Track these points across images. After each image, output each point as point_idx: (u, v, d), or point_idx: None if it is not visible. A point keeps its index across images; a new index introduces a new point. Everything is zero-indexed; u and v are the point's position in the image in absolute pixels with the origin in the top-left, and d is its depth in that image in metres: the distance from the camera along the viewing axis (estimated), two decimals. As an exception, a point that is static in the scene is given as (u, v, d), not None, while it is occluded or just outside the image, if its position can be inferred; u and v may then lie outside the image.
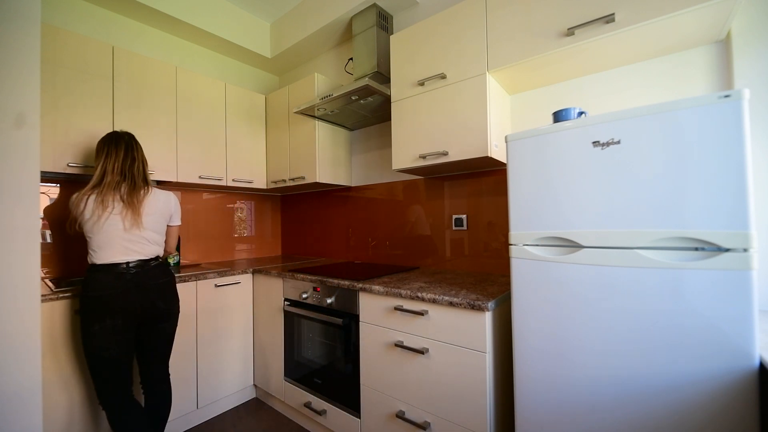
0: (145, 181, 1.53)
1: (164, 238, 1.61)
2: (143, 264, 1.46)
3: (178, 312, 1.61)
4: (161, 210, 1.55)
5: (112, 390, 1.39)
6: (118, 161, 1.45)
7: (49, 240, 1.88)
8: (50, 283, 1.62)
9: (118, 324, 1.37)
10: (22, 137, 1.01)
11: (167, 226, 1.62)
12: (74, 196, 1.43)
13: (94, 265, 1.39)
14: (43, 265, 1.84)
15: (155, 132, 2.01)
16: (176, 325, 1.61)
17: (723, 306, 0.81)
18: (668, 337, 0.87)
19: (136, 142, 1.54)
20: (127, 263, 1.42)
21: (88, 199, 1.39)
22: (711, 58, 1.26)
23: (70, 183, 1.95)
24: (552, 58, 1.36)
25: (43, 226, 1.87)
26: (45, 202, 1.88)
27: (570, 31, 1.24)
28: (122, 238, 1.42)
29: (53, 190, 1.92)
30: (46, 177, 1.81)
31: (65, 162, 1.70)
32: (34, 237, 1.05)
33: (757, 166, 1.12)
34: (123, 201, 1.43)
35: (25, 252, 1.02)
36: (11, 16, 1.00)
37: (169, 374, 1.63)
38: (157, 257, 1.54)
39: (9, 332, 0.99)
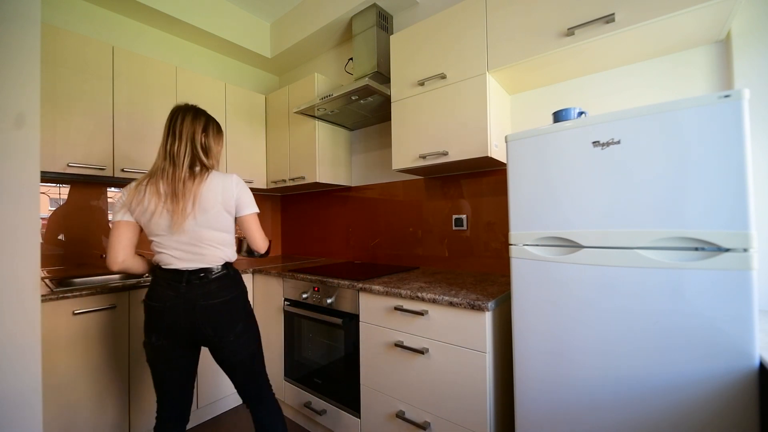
0: (192, 167, 1.21)
1: (233, 237, 1.31)
2: (203, 275, 1.20)
3: (243, 334, 1.26)
4: (217, 200, 1.21)
5: (159, 399, 1.29)
6: (167, 142, 1.22)
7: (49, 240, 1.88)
8: (50, 283, 1.62)
9: (164, 344, 1.21)
10: (22, 137, 1.01)
11: (235, 217, 1.29)
12: (133, 183, 1.23)
13: (159, 268, 1.23)
14: (44, 265, 1.84)
15: (155, 132, 2.01)
16: (246, 349, 1.28)
17: (723, 306, 0.81)
18: (668, 337, 0.87)
19: (185, 116, 1.24)
20: (188, 271, 1.19)
21: (145, 190, 1.19)
22: (711, 58, 1.26)
23: (71, 183, 1.95)
24: (552, 58, 1.36)
25: (43, 226, 1.87)
26: (45, 202, 1.88)
27: (570, 31, 1.24)
28: (177, 240, 1.19)
29: (53, 190, 1.92)
30: (46, 177, 1.81)
31: (65, 162, 1.70)
32: (34, 237, 1.04)
33: (757, 166, 1.12)
34: (169, 193, 1.17)
35: (25, 252, 1.02)
36: (11, 16, 1.00)
37: (270, 392, 1.37)
38: (225, 264, 1.26)
39: (9, 332, 0.98)
